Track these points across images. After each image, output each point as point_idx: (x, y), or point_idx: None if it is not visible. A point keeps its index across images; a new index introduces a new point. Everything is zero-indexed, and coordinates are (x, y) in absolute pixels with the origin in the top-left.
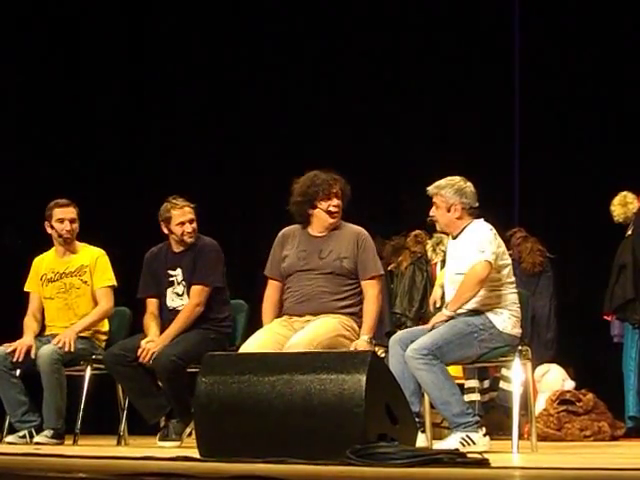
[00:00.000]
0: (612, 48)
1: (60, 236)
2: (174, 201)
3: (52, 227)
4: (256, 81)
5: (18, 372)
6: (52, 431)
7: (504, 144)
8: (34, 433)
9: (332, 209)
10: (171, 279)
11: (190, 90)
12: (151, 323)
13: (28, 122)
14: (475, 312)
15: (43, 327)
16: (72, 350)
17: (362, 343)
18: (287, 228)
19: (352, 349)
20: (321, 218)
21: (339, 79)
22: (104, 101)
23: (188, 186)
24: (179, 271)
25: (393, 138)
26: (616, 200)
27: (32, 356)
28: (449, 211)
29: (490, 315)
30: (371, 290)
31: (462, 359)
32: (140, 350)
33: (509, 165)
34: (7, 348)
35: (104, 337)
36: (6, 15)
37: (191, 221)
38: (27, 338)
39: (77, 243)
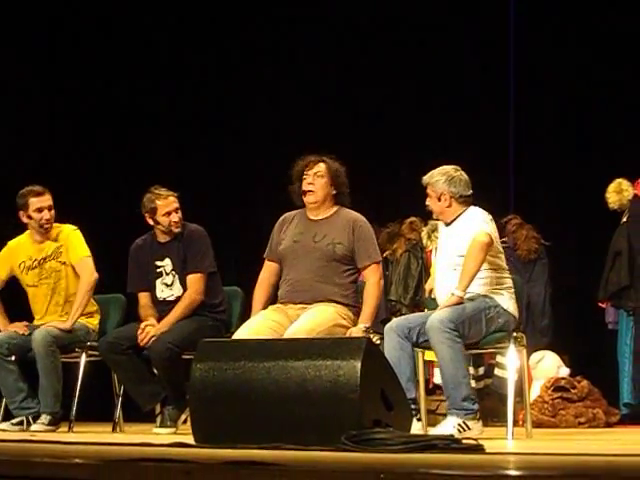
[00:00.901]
0: (611, 31)
1: (41, 226)
2: (157, 191)
3: (29, 217)
4: (254, 62)
5: (13, 358)
6: (49, 417)
7: (500, 131)
8: (31, 420)
9: (305, 187)
10: (159, 270)
11: (179, 74)
12: (148, 315)
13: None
14: (480, 295)
15: (31, 315)
16: (68, 328)
17: (357, 331)
18: (289, 212)
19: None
20: (304, 199)
21: (339, 63)
22: (91, 86)
23: (183, 171)
24: (167, 261)
25: (389, 123)
26: (611, 187)
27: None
28: (439, 200)
29: (494, 295)
30: (372, 277)
31: (470, 338)
32: (140, 331)
33: (505, 152)
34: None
35: (95, 321)
36: None
37: (177, 210)
38: (4, 321)
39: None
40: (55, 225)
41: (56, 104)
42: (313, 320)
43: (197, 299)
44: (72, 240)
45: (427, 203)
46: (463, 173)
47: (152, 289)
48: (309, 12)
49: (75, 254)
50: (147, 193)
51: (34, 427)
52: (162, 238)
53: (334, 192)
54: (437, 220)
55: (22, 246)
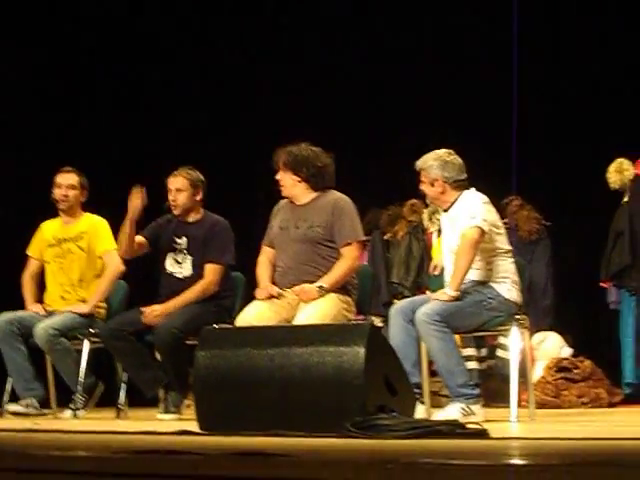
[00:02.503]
0: (612, 19)
1: (57, 202)
2: (177, 170)
3: (52, 193)
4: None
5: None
6: (82, 398)
7: (501, 112)
8: (36, 403)
9: (278, 183)
10: (175, 245)
11: (184, 68)
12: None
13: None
14: (479, 283)
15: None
16: (86, 311)
17: (310, 288)
18: (281, 201)
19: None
20: None
21: (342, 55)
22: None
23: (185, 159)
24: (184, 240)
25: (391, 105)
26: (612, 167)
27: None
28: (433, 185)
29: (494, 285)
30: (345, 254)
31: (469, 327)
32: (147, 308)
33: (507, 133)
34: (19, 312)
35: (103, 310)
36: None
37: (178, 190)
38: (30, 301)
39: (80, 212)
40: (86, 213)
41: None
42: (322, 310)
43: (210, 290)
44: (100, 230)
45: (421, 188)
46: (457, 157)
47: (162, 260)
48: (308, 8)
49: (102, 245)
50: None
51: (66, 413)
52: (186, 218)
53: (298, 179)
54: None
55: (52, 225)
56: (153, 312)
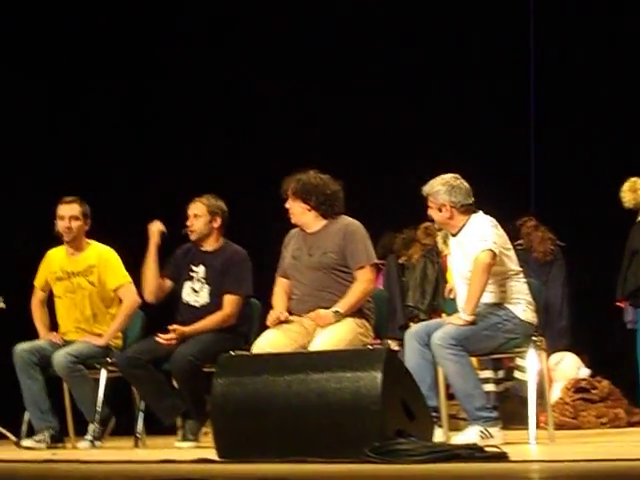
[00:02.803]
0: (632, 32)
1: (61, 234)
2: (199, 197)
3: (55, 224)
4: (263, 74)
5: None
6: (99, 428)
7: (519, 132)
8: (49, 438)
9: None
10: (192, 274)
11: (194, 85)
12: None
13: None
14: (494, 305)
15: (54, 324)
16: (102, 344)
17: (327, 314)
18: (292, 230)
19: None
20: None
21: (351, 68)
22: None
23: (199, 188)
24: (202, 268)
25: (405, 128)
26: (626, 186)
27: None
28: (440, 211)
29: (509, 306)
30: (359, 278)
31: (485, 349)
32: (169, 332)
33: (524, 153)
34: (38, 341)
35: (119, 341)
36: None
37: (196, 216)
38: (44, 331)
39: (85, 241)
40: (88, 241)
41: (93, 116)
42: (337, 335)
43: (229, 321)
44: (110, 264)
45: (429, 213)
46: (463, 181)
47: (179, 290)
48: (314, 13)
49: (115, 279)
50: None
51: (82, 444)
52: (204, 246)
53: (308, 208)
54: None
55: (57, 255)
56: (172, 335)
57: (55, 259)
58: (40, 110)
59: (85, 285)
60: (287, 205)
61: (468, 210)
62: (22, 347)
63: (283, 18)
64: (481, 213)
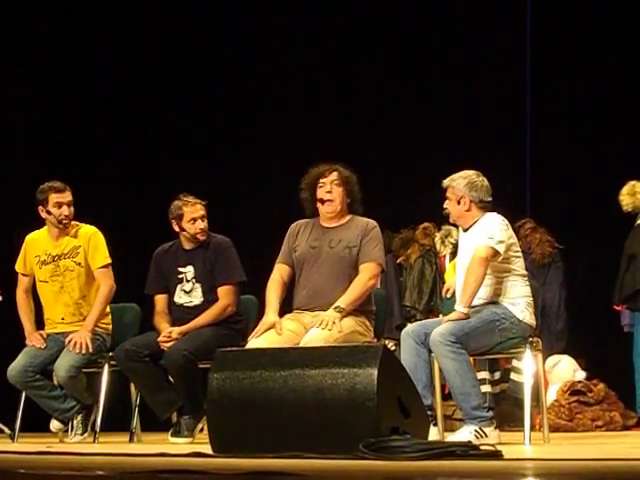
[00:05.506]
0: (628, 37)
1: (60, 222)
2: (185, 198)
3: (49, 212)
4: (264, 72)
5: (38, 376)
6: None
7: (515, 135)
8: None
9: (324, 197)
10: (180, 276)
11: (195, 83)
12: (162, 322)
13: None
14: (492, 303)
15: (38, 312)
16: (90, 351)
17: (330, 311)
18: (301, 220)
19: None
20: (321, 208)
21: (351, 70)
22: (111, 94)
23: (196, 184)
24: (190, 268)
25: (403, 130)
26: (624, 190)
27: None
28: (459, 203)
29: (508, 305)
30: (364, 271)
31: (482, 347)
32: (165, 332)
33: (521, 156)
34: (27, 351)
35: (108, 323)
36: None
37: (202, 218)
38: (30, 328)
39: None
40: (74, 223)
41: (85, 104)
42: (327, 330)
43: (229, 310)
44: (95, 244)
45: (445, 206)
46: (485, 179)
47: (171, 294)
48: (317, 14)
49: (96, 260)
50: (175, 200)
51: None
52: (187, 245)
53: (348, 201)
54: (452, 225)
55: (40, 240)
56: (172, 337)
57: (37, 243)
58: (40, 110)
59: (72, 267)
60: (329, 187)
61: (485, 207)
62: (16, 367)
63: (289, 16)
64: (495, 213)
